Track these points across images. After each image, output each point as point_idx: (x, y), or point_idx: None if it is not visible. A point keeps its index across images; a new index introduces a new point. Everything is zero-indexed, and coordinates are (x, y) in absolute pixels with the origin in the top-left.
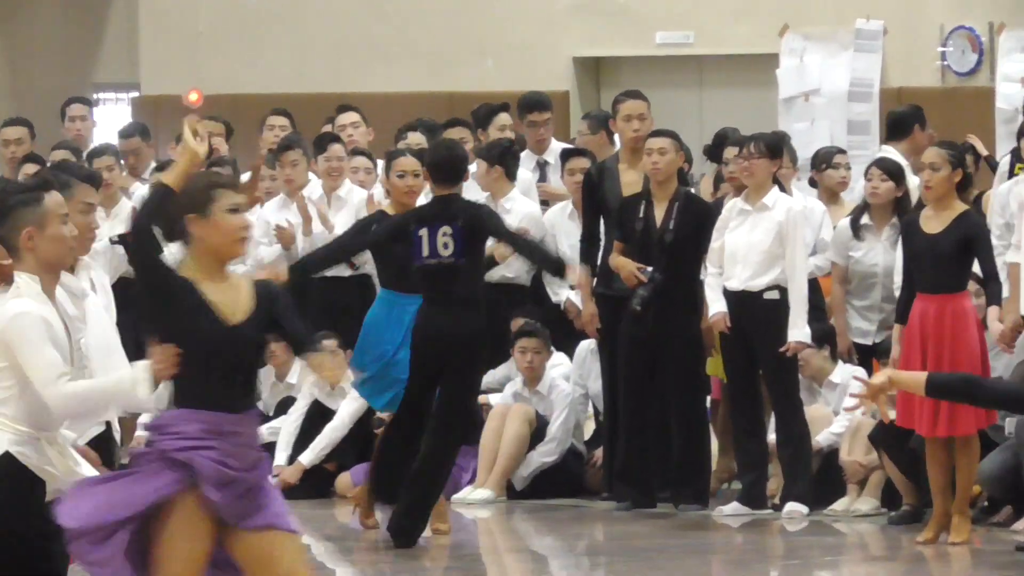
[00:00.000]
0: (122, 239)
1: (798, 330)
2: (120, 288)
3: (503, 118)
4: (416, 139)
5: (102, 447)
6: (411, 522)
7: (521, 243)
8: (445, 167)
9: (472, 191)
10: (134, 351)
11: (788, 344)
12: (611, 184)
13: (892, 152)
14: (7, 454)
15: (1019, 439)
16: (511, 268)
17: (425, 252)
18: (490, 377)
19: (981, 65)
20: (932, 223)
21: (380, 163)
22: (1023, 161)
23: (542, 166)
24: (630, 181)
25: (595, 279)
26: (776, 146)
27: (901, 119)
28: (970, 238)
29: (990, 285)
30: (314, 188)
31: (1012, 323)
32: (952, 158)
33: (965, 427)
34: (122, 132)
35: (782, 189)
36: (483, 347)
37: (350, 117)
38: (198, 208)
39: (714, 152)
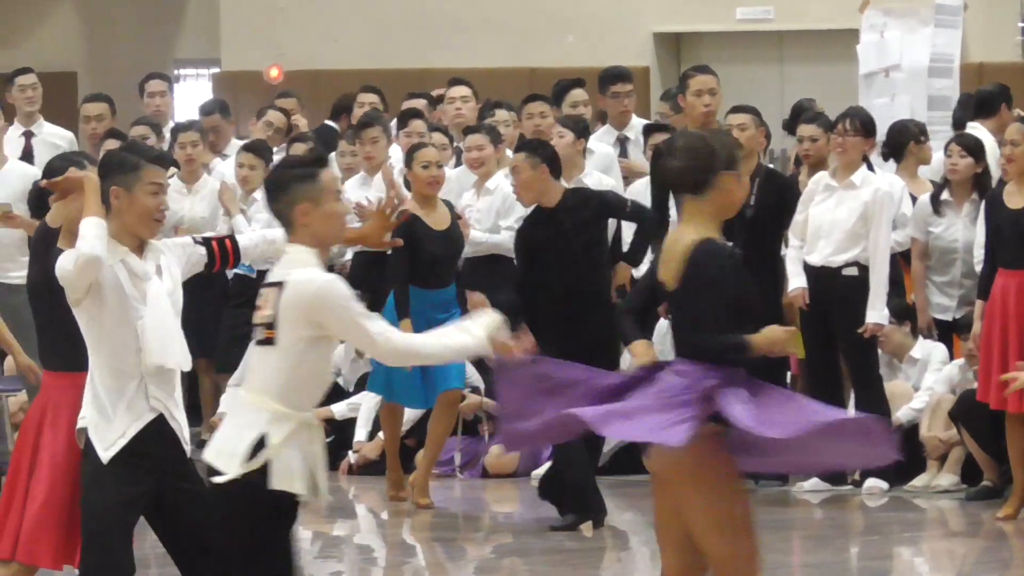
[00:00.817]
0: (206, 241)
1: (876, 312)
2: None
3: (576, 94)
4: (503, 116)
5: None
6: (584, 503)
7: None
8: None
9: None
10: (194, 342)
11: (866, 326)
12: None
13: (980, 130)
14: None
15: None
16: None
17: None
18: None
19: None
20: (1015, 198)
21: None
22: None
23: (622, 141)
24: None
25: None
26: (871, 124)
27: (988, 97)
28: None
29: None
30: (398, 162)
31: None
32: None
33: None
34: (202, 109)
35: (870, 168)
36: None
37: (460, 91)
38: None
39: (792, 126)
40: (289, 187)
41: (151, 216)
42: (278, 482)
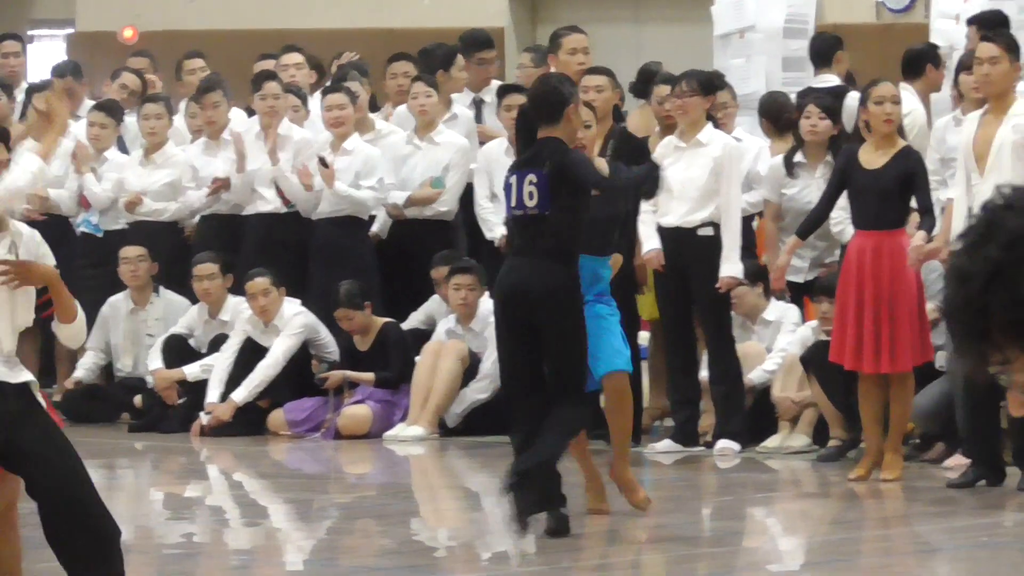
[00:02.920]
0: None
1: (731, 264)
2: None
3: (460, 59)
4: (402, 67)
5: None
6: (528, 490)
7: (617, 185)
8: (541, 103)
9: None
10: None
11: (721, 280)
12: None
13: (908, 90)
14: None
15: (952, 373)
16: (443, 203)
17: (512, 202)
18: (415, 317)
19: (916, 2)
20: (873, 158)
21: (313, 101)
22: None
23: (478, 104)
24: None
25: None
26: (709, 83)
27: (916, 57)
28: (910, 173)
29: (925, 218)
30: (245, 125)
31: (933, 248)
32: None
33: (904, 363)
34: (54, 71)
35: (716, 126)
36: (571, 301)
37: (294, 58)
38: None
39: (640, 88)
40: None
41: None
42: None
